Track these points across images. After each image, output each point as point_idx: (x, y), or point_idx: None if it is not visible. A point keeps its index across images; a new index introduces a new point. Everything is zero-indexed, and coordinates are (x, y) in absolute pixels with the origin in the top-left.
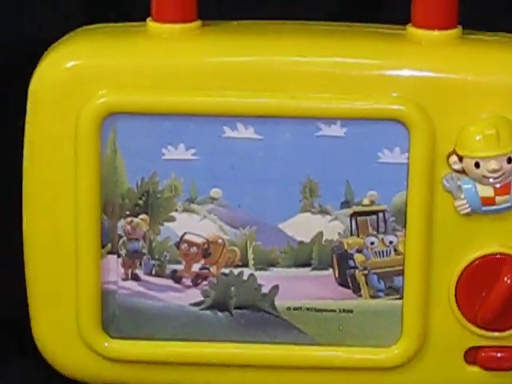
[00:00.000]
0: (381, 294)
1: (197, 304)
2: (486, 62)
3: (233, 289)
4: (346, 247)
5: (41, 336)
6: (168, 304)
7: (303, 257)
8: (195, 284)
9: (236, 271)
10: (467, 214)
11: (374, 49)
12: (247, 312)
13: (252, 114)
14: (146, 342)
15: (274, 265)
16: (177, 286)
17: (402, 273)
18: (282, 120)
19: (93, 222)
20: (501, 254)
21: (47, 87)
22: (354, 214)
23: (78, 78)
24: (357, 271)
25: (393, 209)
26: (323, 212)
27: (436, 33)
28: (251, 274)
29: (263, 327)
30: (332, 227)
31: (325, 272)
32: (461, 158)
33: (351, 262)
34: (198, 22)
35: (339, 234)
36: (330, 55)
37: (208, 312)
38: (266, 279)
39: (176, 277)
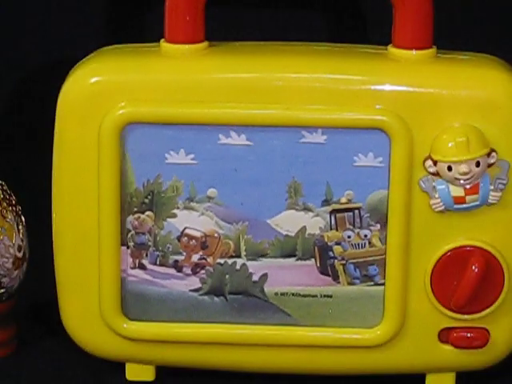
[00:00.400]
0: (357, 281)
1: (196, 290)
2: (458, 78)
3: (227, 277)
4: (326, 240)
5: (68, 319)
6: (171, 290)
7: (289, 248)
8: (194, 272)
9: (230, 261)
10: (441, 212)
11: (360, 66)
12: (240, 297)
13: (250, 124)
14: (159, 323)
15: (263, 255)
16: (178, 274)
17: (375, 262)
18: (270, 128)
19: (113, 218)
20: (470, 246)
21: (73, 100)
22: (333, 211)
23: (100, 92)
24: (336, 261)
25: (367, 206)
26: (306, 209)
27: (413, 52)
28: (243, 264)
29: (254, 310)
30: (314, 222)
31: (308, 262)
32: (435, 162)
33: (331, 253)
34: (206, 43)
35: (320, 228)
36: (322, 72)
37: (206, 297)
38: (256, 268)
39: (177, 266)
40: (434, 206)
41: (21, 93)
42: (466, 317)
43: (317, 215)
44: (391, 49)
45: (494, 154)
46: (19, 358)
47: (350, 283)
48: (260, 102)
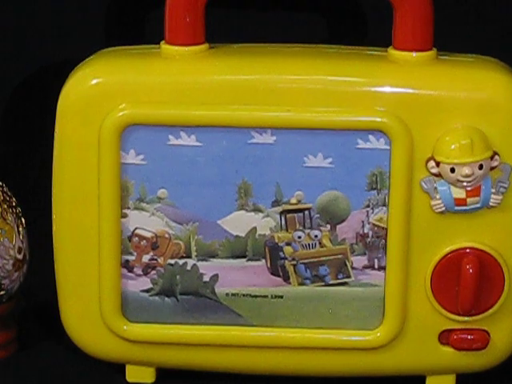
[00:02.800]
0: (307, 281)
1: (147, 291)
2: (459, 80)
3: (178, 277)
4: (276, 240)
5: (68, 320)
6: (122, 290)
7: (239, 249)
8: (145, 273)
9: (181, 262)
10: (441, 213)
11: (360, 68)
12: (191, 298)
13: (254, 126)
14: (159, 325)
15: (213, 256)
16: (129, 274)
17: (325, 263)
18: (219, 129)
19: (113, 219)
20: (470, 248)
21: (73, 101)
22: (284, 212)
23: (101, 94)
24: (286, 262)
25: (317, 207)
26: (256, 210)
27: (414, 54)
28: (194, 265)
29: (205, 311)
30: (264, 223)
31: (258, 262)
32: (438, 164)
33: (281, 254)
34: (206, 45)
35: (271, 229)
36: (323, 74)
37: (156, 298)
38: (207, 269)
39: (129, 266)
40: (434, 207)
41: (22, 94)
42: (466, 319)
43: (267, 216)
44: (391, 51)
45: (496, 157)
46: (19, 360)
47: (300, 283)
48: (260, 104)
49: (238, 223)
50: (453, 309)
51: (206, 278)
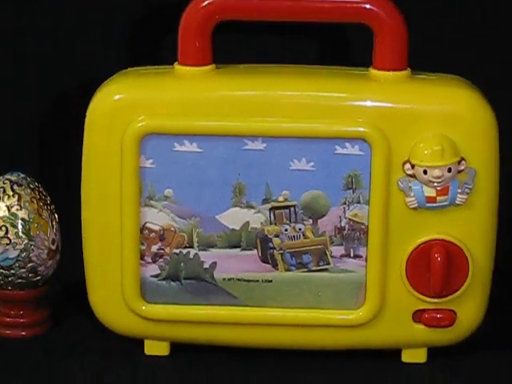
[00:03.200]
0: (293, 268)
1: (155, 276)
2: (429, 95)
3: (182, 264)
4: (266, 233)
5: (95, 302)
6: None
7: (235, 240)
8: (154, 261)
9: (184, 251)
10: (415, 209)
11: (345, 85)
12: (193, 282)
13: (247, 135)
14: (173, 305)
15: (212, 246)
16: (141, 261)
17: (308, 252)
18: (217, 137)
19: (134, 215)
20: (439, 239)
21: (100, 114)
22: (272, 208)
23: (123, 108)
24: (275, 251)
25: (301, 204)
26: (249, 207)
27: (391, 73)
28: (196, 253)
29: (205, 293)
30: (256, 218)
31: (251, 252)
32: (413, 166)
33: (270, 244)
34: (213, 66)
35: (261, 223)
36: (313, 90)
37: (164, 282)
38: (207, 257)
39: (140, 255)
40: (409, 204)
41: (55, 109)
42: (436, 300)
43: (258, 212)
44: (372, 70)
45: (463, 162)
46: (53, 335)
47: (287, 270)
48: (259, 116)
49: (233, 218)
50: (425, 291)
51: (206, 265)
